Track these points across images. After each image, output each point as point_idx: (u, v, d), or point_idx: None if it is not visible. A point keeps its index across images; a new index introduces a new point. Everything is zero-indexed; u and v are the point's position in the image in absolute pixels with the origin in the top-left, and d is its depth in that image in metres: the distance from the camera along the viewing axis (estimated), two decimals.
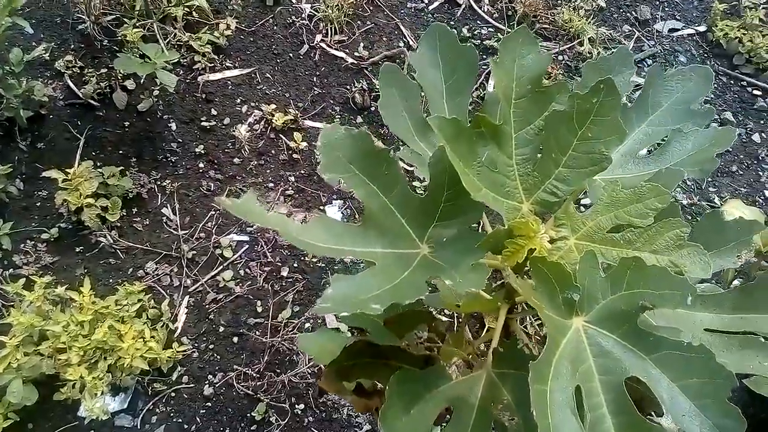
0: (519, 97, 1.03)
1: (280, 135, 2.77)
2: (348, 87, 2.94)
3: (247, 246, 2.51)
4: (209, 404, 2.22)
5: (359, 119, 2.89)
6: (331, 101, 2.91)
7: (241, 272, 2.46)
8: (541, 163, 1.03)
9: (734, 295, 1.12)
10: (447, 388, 1.04)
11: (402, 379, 1.02)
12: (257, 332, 2.34)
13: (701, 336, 1.07)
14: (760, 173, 3.03)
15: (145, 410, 2.18)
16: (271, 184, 2.65)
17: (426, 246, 1.04)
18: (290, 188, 2.65)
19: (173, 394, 2.23)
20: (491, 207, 0.99)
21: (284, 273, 2.46)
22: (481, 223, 1.22)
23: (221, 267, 2.46)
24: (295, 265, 2.48)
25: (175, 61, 2.79)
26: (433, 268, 0.99)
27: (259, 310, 2.38)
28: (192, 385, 2.25)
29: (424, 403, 1.01)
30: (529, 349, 1.07)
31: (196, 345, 2.32)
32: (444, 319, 1.58)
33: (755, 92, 3.24)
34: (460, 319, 1.37)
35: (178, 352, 2.24)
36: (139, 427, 2.16)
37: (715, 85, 3.30)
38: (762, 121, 3.17)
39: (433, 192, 1.04)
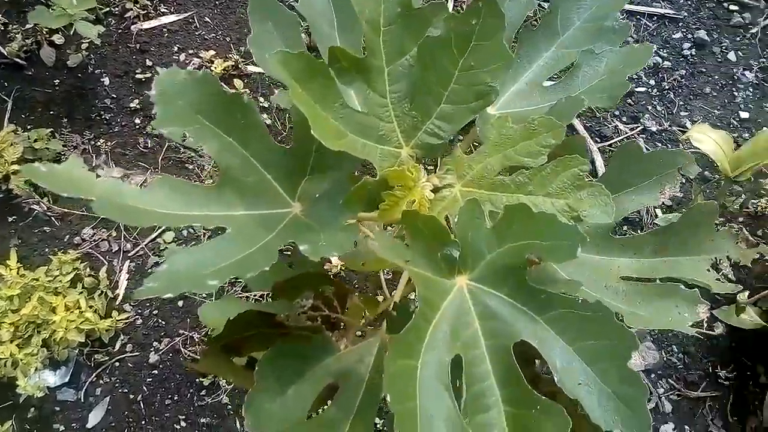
0: (388, 24, 0.88)
1: (221, 82, 2.60)
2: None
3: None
4: (155, 372, 2.14)
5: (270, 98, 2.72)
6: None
7: (184, 232, 2.34)
8: (419, 100, 0.89)
9: (657, 237, 1.00)
10: (332, 361, 0.93)
11: (277, 354, 0.91)
12: (204, 293, 2.23)
13: (616, 285, 0.95)
14: (735, 94, 2.86)
15: (87, 383, 2.10)
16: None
17: (299, 204, 0.92)
18: None
19: (117, 364, 2.15)
20: (360, 156, 0.86)
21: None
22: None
23: (162, 228, 2.34)
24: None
25: (106, 10, 2.61)
26: (301, 229, 0.87)
27: None
28: (136, 353, 2.17)
29: (303, 381, 0.90)
30: None
31: (139, 312, 2.22)
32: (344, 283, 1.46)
33: (731, 7, 3.03)
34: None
35: (119, 320, 2.14)
36: (82, 399, 2.08)
37: (689, 2, 3.09)
38: (738, 38, 2.97)
39: (300, 141, 0.90)
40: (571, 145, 0.91)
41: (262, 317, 1.07)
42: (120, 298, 2.23)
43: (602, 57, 1.00)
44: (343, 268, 2.11)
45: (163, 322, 2.21)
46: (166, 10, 2.77)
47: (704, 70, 2.92)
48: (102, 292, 2.19)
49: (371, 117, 0.88)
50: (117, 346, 2.16)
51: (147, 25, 2.73)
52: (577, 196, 0.84)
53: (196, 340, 2.17)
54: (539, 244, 0.78)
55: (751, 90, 2.71)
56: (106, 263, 2.28)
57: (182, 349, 2.16)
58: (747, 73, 2.72)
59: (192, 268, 0.77)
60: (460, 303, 0.82)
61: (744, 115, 2.68)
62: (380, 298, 1.73)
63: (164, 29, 2.72)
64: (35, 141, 2.33)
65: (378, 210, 0.86)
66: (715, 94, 2.85)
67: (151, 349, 2.17)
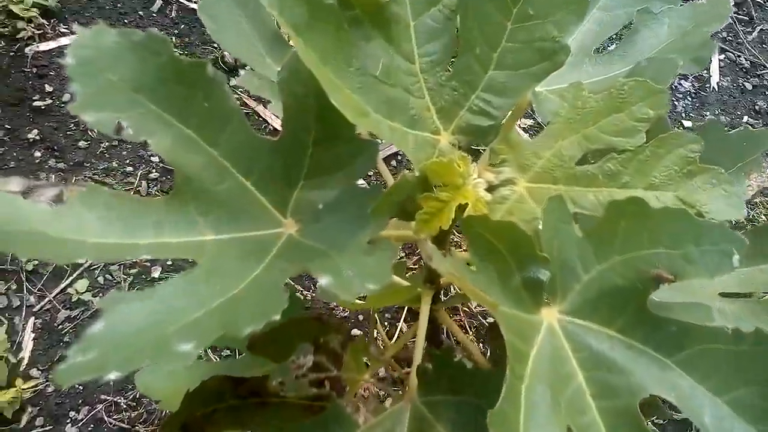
0: None
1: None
2: (216, 46, 2.46)
3: None
4: None
5: (233, 82, 2.42)
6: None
7: (100, 279, 1.97)
8: (460, 66, 0.64)
9: (749, 237, 0.78)
10: None
11: None
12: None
13: (719, 306, 0.71)
14: None
15: None
16: (130, 168, 2.14)
17: (292, 221, 0.63)
18: (154, 170, 2.15)
19: None
20: (389, 142, 0.59)
21: (156, 274, 1.99)
22: (382, 178, 0.81)
23: (73, 276, 1.95)
24: (169, 262, 2.01)
25: None
26: (305, 255, 0.59)
27: None
28: (49, 427, 1.77)
29: None
30: (471, 358, 0.69)
31: (50, 377, 1.83)
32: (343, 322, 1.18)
33: None
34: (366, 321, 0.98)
35: (24, 389, 1.75)
36: None
37: None
38: None
39: (292, 131, 0.62)
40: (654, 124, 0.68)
41: (232, 384, 0.77)
42: (25, 362, 1.83)
43: (663, 17, 0.79)
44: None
45: (80, 387, 1.82)
46: (66, 30, 2.41)
47: None
48: (1, 357, 1.79)
49: (398, 89, 0.61)
50: (23, 421, 1.75)
51: (44, 46, 2.35)
52: (691, 186, 0.60)
53: (123, 406, 1.80)
54: (666, 253, 0.54)
55: (689, 99, 2.63)
56: (6, 322, 1.87)
57: (106, 417, 1.78)
58: (684, 82, 2.65)
59: (146, 327, 0.47)
60: (553, 346, 0.56)
61: None
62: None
63: (64, 51, 2.35)
64: None
65: (415, 221, 0.59)
66: None
67: (68, 421, 1.78)
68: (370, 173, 1.93)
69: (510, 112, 0.65)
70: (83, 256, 0.55)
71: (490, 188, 0.63)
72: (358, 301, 0.82)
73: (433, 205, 0.59)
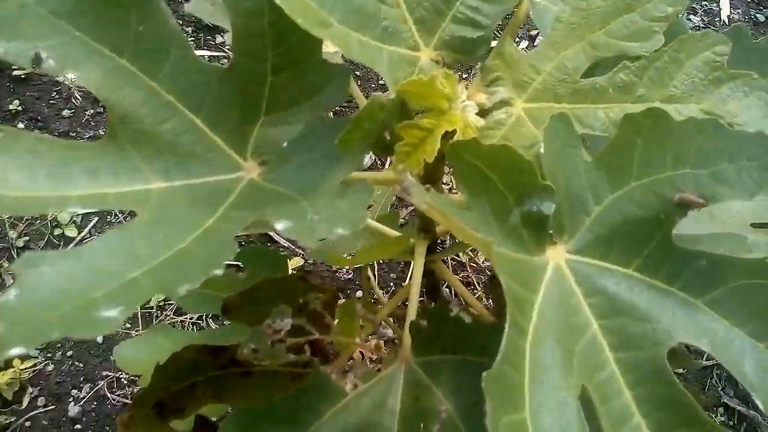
0: None
1: None
2: None
3: (97, 218, 1.95)
4: (79, 427, 1.71)
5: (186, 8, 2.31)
6: (179, 21, 2.30)
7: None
8: None
9: None
10: (338, 414, 0.57)
11: (244, 417, 0.54)
12: (127, 324, 1.81)
13: (753, 239, 0.62)
14: None
15: None
16: None
17: (254, 163, 0.54)
18: None
19: (28, 424, 1.70)
20: (359, 61, 0.49)
21: None
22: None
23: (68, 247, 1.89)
24: None
25: None
26: (268, 202, 0.50)
27: None
28: (52, 407, 1.73)
29: None
30: (470, 312, 0.60)
31: (49, 356, 1.78)
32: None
33: None
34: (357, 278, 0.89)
35: (23, 370, 1.70)
36: None
37: None
38: None
39: (245, 57, 0.53)
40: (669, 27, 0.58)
41: (210, 354, 0.69)
42: None
43: None
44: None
45: (81, 365, 1.77)
46: None
47: None
48: None
49: None
50: (25, 402, 1.71)
51: None
52: (718, 95, 0.51)
53: (125, 381, 1.75)
54: (695, 173, 0.45)
55: None
56: None
57: (109, 394, 1.73)
58: (692, 17, 2.50)
59: (66, 292, 0.39)
60: (562, 293, 0.47)
61: None
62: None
63: None
64: None
65: (394, 154, 0.50)
66: None
67: (70, 400, 1.73)
68: (346, 104, 1.81)
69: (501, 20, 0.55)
70: (5, 209, 0.47)
71: (483, 112, 0.53)
72: (345, 257, 0.74)
73: (415, 134, 0.50)
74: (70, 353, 1.79)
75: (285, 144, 0.53)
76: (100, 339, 1.83)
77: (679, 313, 0.46)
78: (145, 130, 0.51)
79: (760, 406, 0.43)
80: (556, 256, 0.48)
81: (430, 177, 0.58)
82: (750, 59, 0.69)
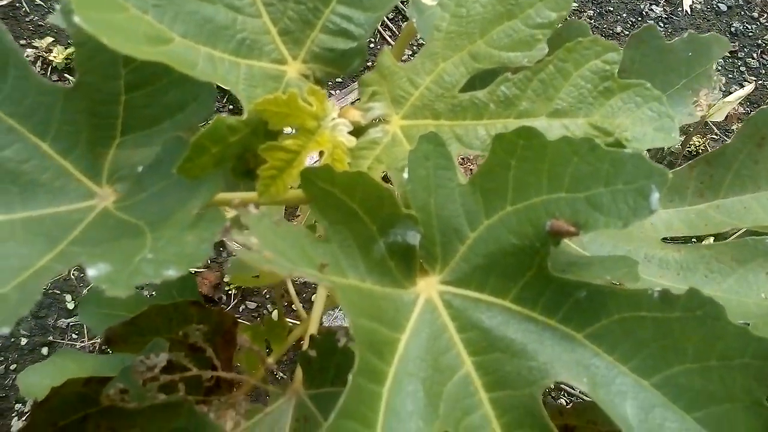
0: None
1: (65, 75, 2.09)
2: None
3: None
4: None
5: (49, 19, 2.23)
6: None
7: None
8: None
9: (699, 170, 0.65)
10: None
11: None
12: (74, 334, 1.75)
13: (661, 255, 0.59)
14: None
15: None
16: None
17: (110, 189, 0.50)
18: None
19: None
20: (205, 79, 0.45)
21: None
22: None
23: None
24: None
25: None
26: (116, 234, 0.45)
27: (71, 306, 1.79)
28: None
29: None
30: None
31: None
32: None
33: None
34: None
35: None
36: None
37: None
38: None
39: (93, 73, 0.48)
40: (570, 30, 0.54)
41: (100, 384, 0.65)
42: None
43: None
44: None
45: None
46: None
47: (611, 8, 2.67)
48: None
49: (218, 5, 0.47)
50: None
51: None
52: (608, 108, 0.47)
53: None
54: (569, 198, 0.41)
55: (661, 25, 2.48)
56: None
57: None
58: (654, 7, 2.47)
59: None
60: (432, 328, 0.43)
61: None
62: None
63: None
64: None
65: (258, 180, 0.46)
66: (626, 33, 2.60)
67: (14, 414, 1.68)
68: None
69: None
70: None
71: (358, 131, 0.49)
72: (249, 278, 0.70)
73: (280, 156, 0.46)
74: (13, 366, 1.73)
75: (139, 169, 0.48)
76: (45, 351, 1.78)
77: (558, 348, 0.43)
78: None
79: None
80: (428, 288, 0.45)
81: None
82: (665, 60, 0.65)
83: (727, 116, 1.18)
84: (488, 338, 0.43)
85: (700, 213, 0.64)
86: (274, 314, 1.67)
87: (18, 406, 1.71)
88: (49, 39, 2.11)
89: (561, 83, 0.48)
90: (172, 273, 0.38)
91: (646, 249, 0.59)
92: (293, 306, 0.99)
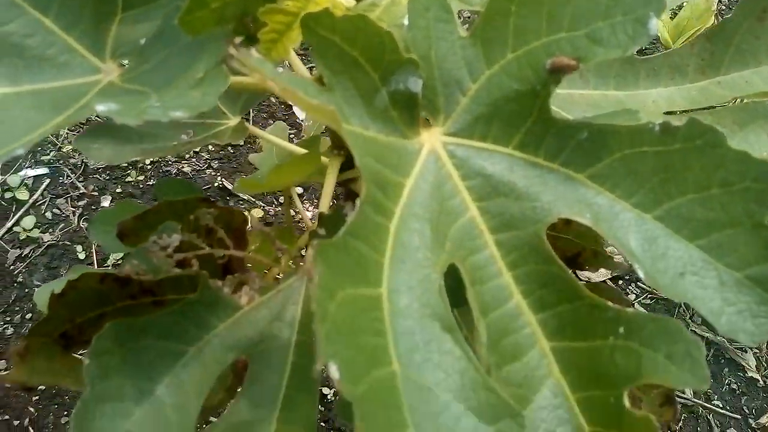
0: None
1: None
2: None
3: (49, 180, 1.90)
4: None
5: None
6: None
7: (48, 215, 1.86)
8: None
9: (700, 47, 0.65)
10: (230, 327, 0.54)
11: (123, 332, 0.52)
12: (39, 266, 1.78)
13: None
14: None
15: None
16: None
17: (114, 64, 0.50)
18: None
19: None
20: None
21: (106, 203, 1.88)
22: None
23: (18, 214, 1.85)
24: (119, 190, 1.90)
25: None
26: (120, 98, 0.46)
27: (82, 256, 1.81)
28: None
29: (182, 369, 0.51)
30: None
31: (8, 319, 1.75)
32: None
33: None
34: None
35: None
36: None
37: None
38: None
39: None
40: None
41: (116, 282, 0.66)
42: None
43: None
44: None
45: None
46: None
47: None
48: None
49: None
50: None
51: None
52: None
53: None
54: (569, 36, 0.41)
55: None
56: None
57: None
58: None
59: None
60: (437, 176, 0.44)
61: None
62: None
63: None
64: None
65: (259, 44, 0.47)
66: None
67: None
68: None
69: None
70: None
71: None
72: (254, 183, 0.71)
73: (279, 19, 0.46)
74: (29, 316, 1.76)
75: (142, 41, 0.49)
76: None
77: (560, 189, 0.43)
78: None
79: (642, 276, 0.40)
80: (432, 138, 0.45)
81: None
82: None
83: None
84: (492, 184, 0.44)
85: (702, 89, 0.64)
86: (254, 212, 1.68)
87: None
88: None
89: None
90: (179, 114, 0.39)
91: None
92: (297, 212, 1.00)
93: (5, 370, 1.71)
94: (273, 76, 0.36)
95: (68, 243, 1.82)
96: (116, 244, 0.91)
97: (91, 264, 1.80)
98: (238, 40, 0.38)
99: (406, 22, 0.45)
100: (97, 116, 0.45)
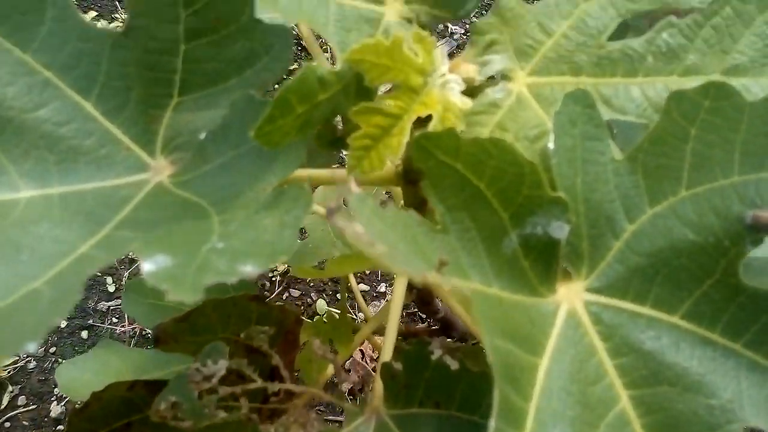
0: None
1: None
2: None
3: None
4: (61, 427, 1.61)
5: None
6: None
7: None
8: None
9: None
10: None
11: None
12: (114, 318, 1.70)
13: None
14: None
15: None
16: None
17: (165, 161, 0.41)
18: None
19: (8, 425, 1.61)
20: (291, 18, 0.35)
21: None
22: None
23: None
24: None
25: None
26: (173, 215, 0.36)
27: (112, 289, 1.74)
28: (33, 406, 1.64)
29: None
30: (456, 355, 0.45)
31: (31, 352, 1.68)
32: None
33: None
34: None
35: (4, 367, 1.61)
36: None
37: None
38: None
39: (147, 15, 0.39)
40: None
41: (145, 389, 0.57)
42: None
43: None
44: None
45: (63, 361, 1.68)
46: None
47: None
48: None
49: None
50: (5, 402, 1.62)
51: None
52: None
53: None
54: None
55: None
56: None
57: None
58: None
59: None
60: (577, 349, 0.33)
61: None
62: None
63: None
64: None
65: (348, 151, 0.36)
66: None
67: (53, 399, 1.64)
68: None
69: None
70: None
71: (472, 90, 0.39)
72: (313, 270, 0.60)
73: (376, 121, 0.36)
74: (53, 350, 1.69)
75: (202, 135, 0.39)
76: (84, 335, 1.73)
77: (745, 382, 0.32)
78: (11, 118, 0.38)
79: None
80: (571, 296, 0.34)
81: (411, 174, 0.44)
82: None
83: None
84: (650, 366, 0.33)
85: None
86: (319, 303, 1.58)
87: (57, 390, 1.68)
88: (93, 13, 2.05)
89: (741, 31, 0.36)
90: (249, 269, 0.28)
91: None
92: (353, 300, 0.89)
93: (24, 406, 1.66)
94: (389, 259, 0.25)
95: (98, 274, 1.75)
96: (151, 318, 0.82)
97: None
98: (353, 185, 0.28)
99: (550, 136, 0.34)
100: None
